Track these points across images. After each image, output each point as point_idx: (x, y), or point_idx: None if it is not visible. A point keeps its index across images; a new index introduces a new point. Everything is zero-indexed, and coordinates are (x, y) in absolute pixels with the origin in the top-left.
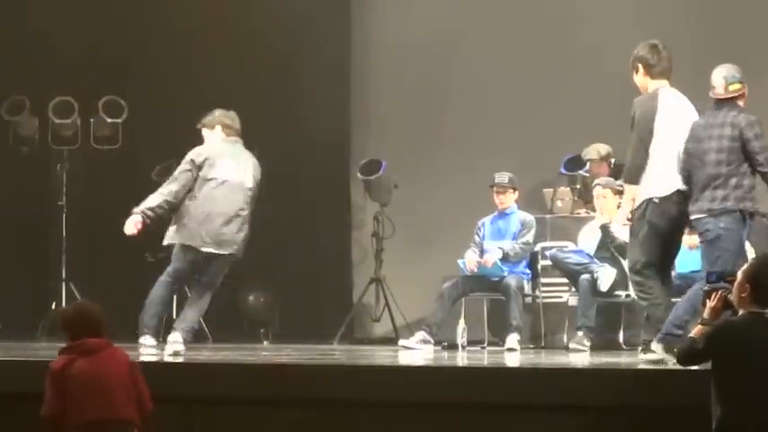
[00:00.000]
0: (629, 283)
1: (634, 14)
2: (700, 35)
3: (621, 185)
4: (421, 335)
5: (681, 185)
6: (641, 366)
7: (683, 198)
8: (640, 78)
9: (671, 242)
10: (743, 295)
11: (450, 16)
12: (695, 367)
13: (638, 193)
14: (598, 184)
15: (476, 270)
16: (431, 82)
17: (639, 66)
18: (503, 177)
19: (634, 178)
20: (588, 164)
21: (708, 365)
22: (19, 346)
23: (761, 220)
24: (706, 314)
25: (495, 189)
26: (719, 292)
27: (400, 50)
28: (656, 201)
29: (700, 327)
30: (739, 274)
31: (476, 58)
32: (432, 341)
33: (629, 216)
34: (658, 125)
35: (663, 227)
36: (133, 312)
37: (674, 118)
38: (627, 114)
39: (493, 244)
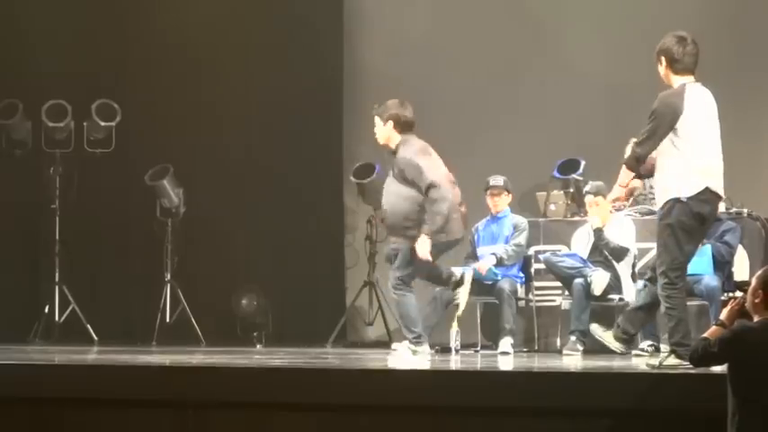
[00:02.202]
0: (623, 287)
1: (624, 19)
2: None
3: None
4: None
5: (710, 183)
6: (634, 370)
7: (713, 196)
8: (663, 71)
9: (701, 242)
10: (756, 301)
11: (442, 21)
12: (693, 371)
13: (663, 194)
14: (588, 193)
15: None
16: (423, 85)
17: (663, 58)
18: (497, 180)
19: (635, 166)
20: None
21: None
22: (11, 350)
23: (753, 223)
24: (723, 315)
25: (489, 192)
26: (738, 299)
27: (393, 53)
28: (684, 200)
29: (715, 328)
30: (753, 280)
31: (468, 62)
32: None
33: (619, 200)
34: (684, 124)
35: (694, 226)
36: (125, 315)
37: (700, 115)
38: (622, 117)
39: (486, 249)
